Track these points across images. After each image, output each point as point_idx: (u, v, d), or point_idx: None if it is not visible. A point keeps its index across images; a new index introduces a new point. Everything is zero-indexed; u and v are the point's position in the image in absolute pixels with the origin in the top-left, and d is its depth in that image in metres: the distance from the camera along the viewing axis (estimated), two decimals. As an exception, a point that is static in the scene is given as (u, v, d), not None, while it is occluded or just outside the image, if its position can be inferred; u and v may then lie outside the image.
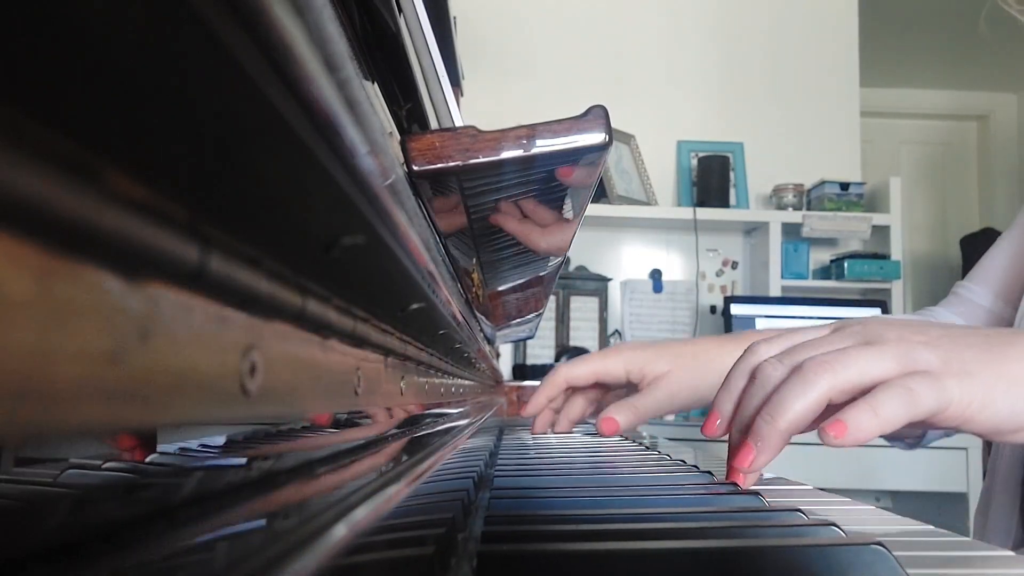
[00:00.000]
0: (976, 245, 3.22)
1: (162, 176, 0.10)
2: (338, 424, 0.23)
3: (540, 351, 2.34)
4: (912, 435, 0.55)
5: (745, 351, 0.55)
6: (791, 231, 2.43)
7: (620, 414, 0.77)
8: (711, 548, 0.29)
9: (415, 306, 0.27)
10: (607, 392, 0.87)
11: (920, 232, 3.79)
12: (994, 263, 0.86)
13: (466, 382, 0.65)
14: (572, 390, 0.86)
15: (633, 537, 0.31)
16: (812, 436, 0.49)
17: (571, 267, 2.42)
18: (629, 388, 0.83)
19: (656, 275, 2.51)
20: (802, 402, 0.48)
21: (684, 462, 0.60)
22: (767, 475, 0.65)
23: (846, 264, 2.38)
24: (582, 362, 0.84)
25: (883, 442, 0.65)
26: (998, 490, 0.75)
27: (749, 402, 0.52)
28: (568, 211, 0.41)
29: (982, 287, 0.87)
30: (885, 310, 2.32)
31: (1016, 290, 0.82)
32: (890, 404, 0.47)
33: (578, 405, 0.86)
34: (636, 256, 2.56)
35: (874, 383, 0.48)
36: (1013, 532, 0.72)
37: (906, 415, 0.47)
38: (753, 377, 0.53)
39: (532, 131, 0.30)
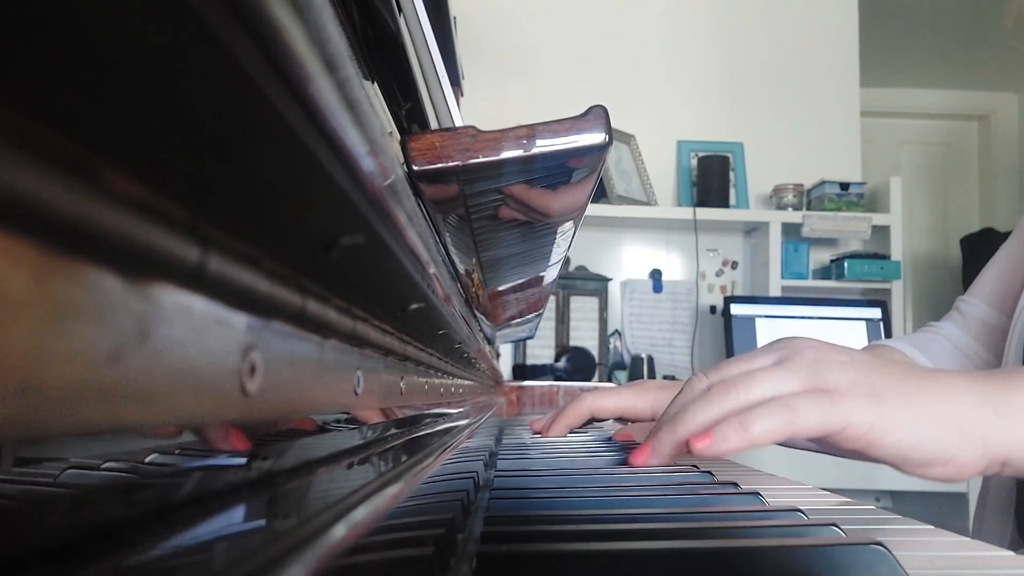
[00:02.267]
0: (976, 245, 3.22)
1: (162, 176, 0.10)
2: (338, 424, 0.23)
3: (540, 351, 2.34)
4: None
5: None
6: (791, 231, 2.43)
7: (642, 438, 0.78)
8: (711, 548, 0.29)
9: (415, 306, 0.27)
10: (624, 423, 0.88)
11: (920, 232, 3.78)
12: (990, 275, 0.87)
13: (466, 382, 0.65)
14: (592, 420, 0.86)
15: (633, 537, 0.31)
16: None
17: (571, 267, 2.42)
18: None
19: (656, 275, 2.51)
20: (702, 418, 0.51)
21: (683, 462, 0.60)
22: (767, 473, 0.65)
23: (846, 264, 2.38)
24: (609, 396, 0.83)
25: None
26: (992, 495, 0.75)
27: (667, 411, 0.56)
28: (568, 211, 0.41)
29: (979, 299, 0.87)
30: (885, 310, 2.32)
31: (1010, 300, 0.82)
32: (763, 421, 0.47)
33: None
34: (636, 256, 2.56)
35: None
36: (1008, 536, 0.72)
37: (781, 431, 0.47)
38: (681, 390, 0.57)
39: (532, 131, 0.30)
